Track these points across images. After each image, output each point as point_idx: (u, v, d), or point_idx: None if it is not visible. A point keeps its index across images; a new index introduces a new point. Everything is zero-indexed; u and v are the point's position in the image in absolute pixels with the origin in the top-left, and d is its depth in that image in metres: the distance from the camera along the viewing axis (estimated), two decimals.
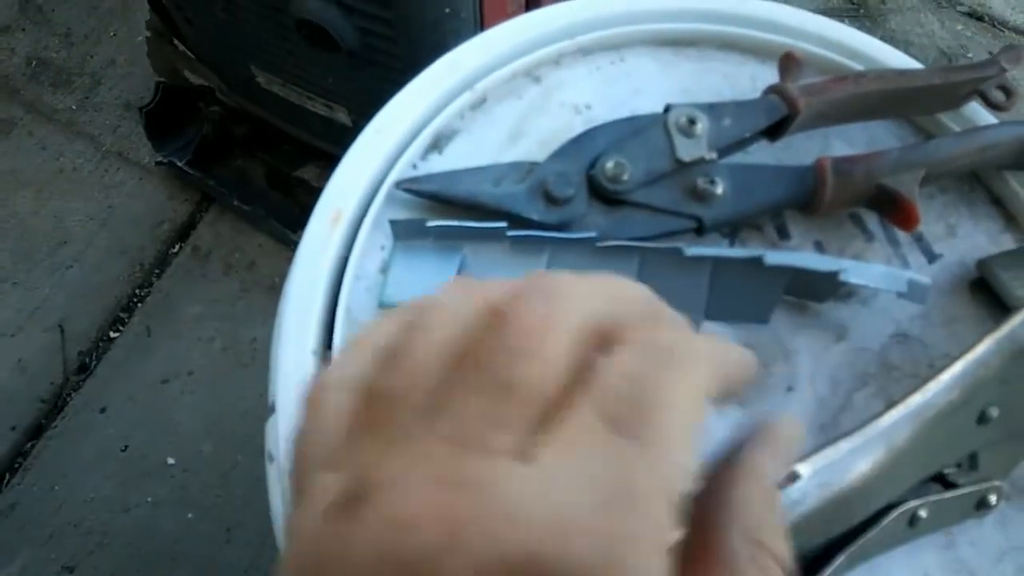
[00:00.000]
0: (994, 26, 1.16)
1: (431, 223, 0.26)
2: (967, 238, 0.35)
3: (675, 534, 0.14)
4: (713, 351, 0.16)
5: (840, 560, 0.26)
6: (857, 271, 0.29)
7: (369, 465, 0.14)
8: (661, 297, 0.24)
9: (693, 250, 0.29)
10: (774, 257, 0.29)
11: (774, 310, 0.31)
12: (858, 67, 0.37)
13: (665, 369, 0.14)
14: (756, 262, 0.29)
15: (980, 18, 1.16)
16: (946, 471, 0.28)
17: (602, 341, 0.15)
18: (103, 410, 0.88)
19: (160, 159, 0.96)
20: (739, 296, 0.30)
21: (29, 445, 0.87)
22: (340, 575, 0.13)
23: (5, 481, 0.85)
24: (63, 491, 0.84)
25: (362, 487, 0.13)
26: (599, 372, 0.14)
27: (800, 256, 0.29)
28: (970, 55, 1.10)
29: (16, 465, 0.86)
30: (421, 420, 0.14)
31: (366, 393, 0.15)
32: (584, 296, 0.15)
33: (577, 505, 0.12)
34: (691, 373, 0.15)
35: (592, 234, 0.22)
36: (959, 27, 1.15)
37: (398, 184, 0.32)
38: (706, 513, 0.16)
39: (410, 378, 0.15)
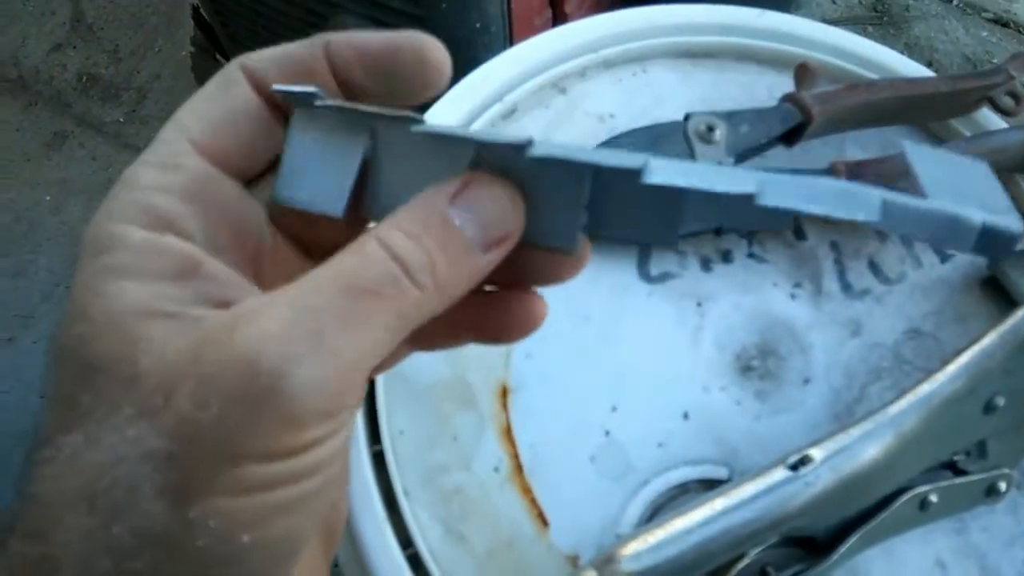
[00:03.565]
0: (1020, 32, 1.16)
1: (331, 101, 0.19)
2: None
3: None
4: None
5: (853, 540, 0.28)
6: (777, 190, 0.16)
7: None
8: (621, 212, 0.18)
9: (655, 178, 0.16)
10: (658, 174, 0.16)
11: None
12: (871, 76, 0.39)
13: None
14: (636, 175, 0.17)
15: (1005, 24, 1.16)
16: (956, 458, 0.30)
17: None
18: None
19: None
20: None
21: None
22: None
23: None
24: None
25: None
26: None
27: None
28: (995, 61, 1.10)
29: None
30: None
31: None
32: None
33: None
34: None
35: (523, 140, 0.16)
36: (984, 33, 1.15)
37: None
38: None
39: None
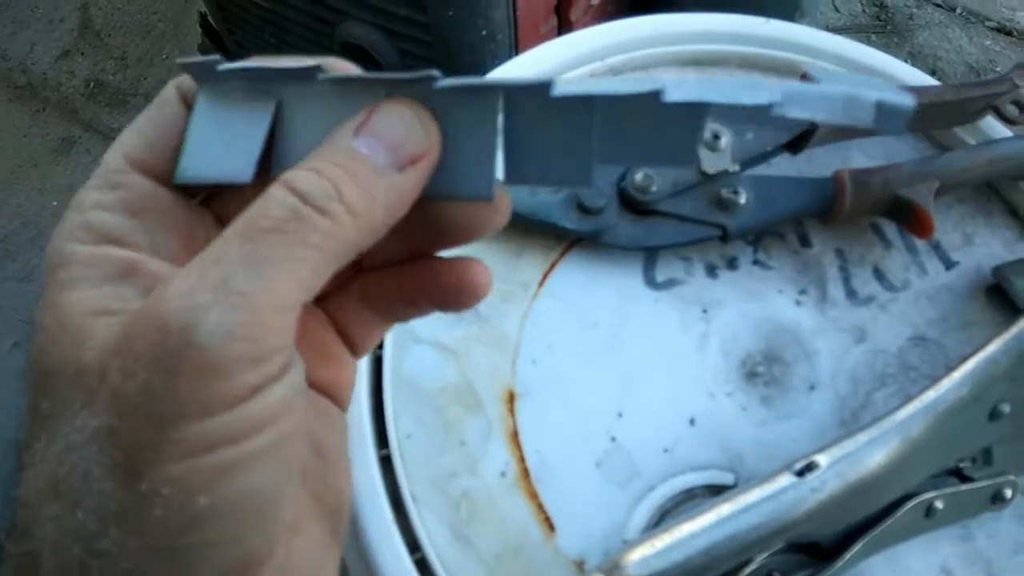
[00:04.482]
0: (1023, 40, 1.16)
1: (231, 65, 0.18)
2: (983, 246, 0.37)
3: None
4: None
5: (858, 547, 0.28)
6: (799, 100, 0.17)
7: None
8: (537, 144, 0.18)
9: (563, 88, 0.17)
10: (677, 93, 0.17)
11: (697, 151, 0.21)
12: None
13: None
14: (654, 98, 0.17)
15: (1008, 33, 1.16)
16: (961, 465, 0.30)
17: None
18: None
19: None
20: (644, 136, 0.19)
21: None
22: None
23: None
24: None
25: None
26: None
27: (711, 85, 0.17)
28: (998, 70, 1.10)
29: None
30: None
31: None
32: None
33: None
34: None
35: (431, 73, 0.17)
36: (987, 42, 1.15)
37: None
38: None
39: None
